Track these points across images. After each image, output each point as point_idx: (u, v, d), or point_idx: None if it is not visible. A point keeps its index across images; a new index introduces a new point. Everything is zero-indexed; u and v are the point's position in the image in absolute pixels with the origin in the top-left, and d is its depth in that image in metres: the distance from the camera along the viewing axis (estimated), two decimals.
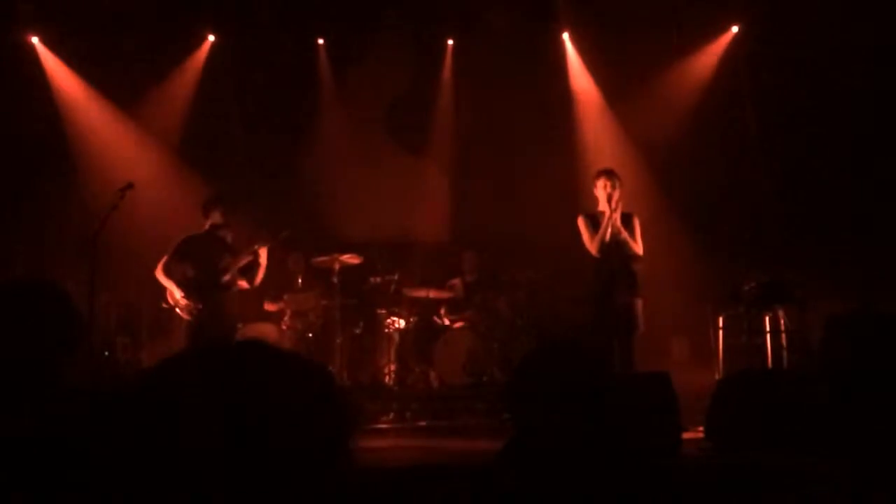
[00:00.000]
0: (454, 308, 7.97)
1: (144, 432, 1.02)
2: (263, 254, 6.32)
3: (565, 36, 8.92)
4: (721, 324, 6.62)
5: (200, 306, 6.09)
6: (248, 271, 6.37)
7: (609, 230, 5.85)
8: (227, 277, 6.22)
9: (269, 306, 7.79)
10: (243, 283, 6.39)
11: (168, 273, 6.15)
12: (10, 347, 1.77)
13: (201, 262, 6.17)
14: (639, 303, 5.93)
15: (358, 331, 7.79)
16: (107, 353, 7.26)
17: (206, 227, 6.30)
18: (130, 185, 5.95)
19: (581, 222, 6.05)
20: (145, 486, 1.01)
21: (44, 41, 8.50)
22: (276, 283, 7.76)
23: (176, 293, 6.12)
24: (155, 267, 6.20)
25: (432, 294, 7.81)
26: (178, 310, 6.16)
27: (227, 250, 6.28)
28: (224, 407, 1.02)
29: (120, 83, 8.42)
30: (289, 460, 1.02)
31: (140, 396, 1.06)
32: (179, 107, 8.76)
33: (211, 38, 8.81)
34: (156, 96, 8.70)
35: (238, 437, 1.00)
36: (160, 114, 8.70)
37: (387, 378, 7.45)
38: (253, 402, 1.03)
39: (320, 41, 9.09)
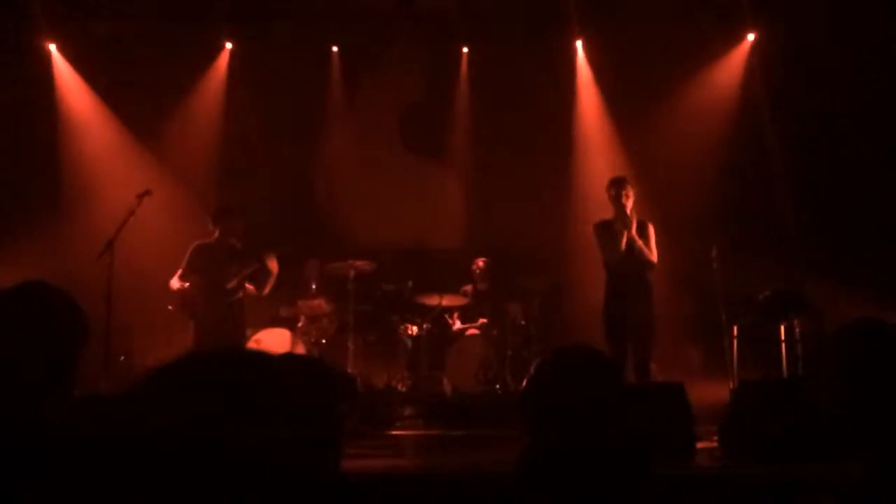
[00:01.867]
0: (467, 315, 7.97)
1: (143, 434, 1.04)
2: (272, 263, 6.37)
3: (578, 44, 8.91)
4: (735, 333, 6.57)
5: (206, 313, 6.15)
6: (256, 278, 6.41)
7: (624, 239, 5.84)
8: (232, 284, 6.24)
9: (284, 312, 7.82)
10: (251, 288, 6.43)
11: (184, 283, 6.24)
12: (17, 350, 1.78)
13: (210, 270, 6.24)
14: (653, 311, 5.91)
15: (371, 337, 7.81)
16: (122, 358, 7.30)
17: (216, 235, 6.36)
18: (149, 192, 6.01)
19: (596, 231, 6.04)
20: (147, 487, 1.02)
21: (61, 49, 8.56)
22: (291, 289, 7.80)
23: (186, 301, 6.19)
24: (170, 276, 6.26)
25: (445, 301, 7.81)
26: (187, 317, 6.24)
27: (235, 258, 6.32)
28: (221, 412, 1.03)
29: (137, 94, 8.47)
30: (289, 465, 1.03)
31: (138, 400, 1.08)
32: (206, 117, 8.79)
33: (228, 45, 8.87)
34: (182, 107, 8.74)
35: (238, 440, 1.01)
36: (188, 125, 8.74)
37: (400, 385, 7.45)
38: (251, 406, 1.04)
39: (334, 49, 9.13)
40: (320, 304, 7.81)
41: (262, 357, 1.09)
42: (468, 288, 8.06)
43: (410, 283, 7.83)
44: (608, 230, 5.96)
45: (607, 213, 6.03)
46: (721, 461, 4.54)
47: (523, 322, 7.76)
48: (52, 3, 8.13)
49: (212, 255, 6.31)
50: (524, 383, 1.88)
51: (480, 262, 8.08)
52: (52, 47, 8.54)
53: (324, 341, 7.63)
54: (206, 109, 8.85)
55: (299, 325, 7.73)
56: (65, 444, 1.58)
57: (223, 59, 8.92)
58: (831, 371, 1.83)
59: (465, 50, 9.15)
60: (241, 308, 6.49)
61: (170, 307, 6.39)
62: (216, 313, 6.21)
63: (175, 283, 6.24)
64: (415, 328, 7.68)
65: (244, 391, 1.05)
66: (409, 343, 7.68)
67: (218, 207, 6.56)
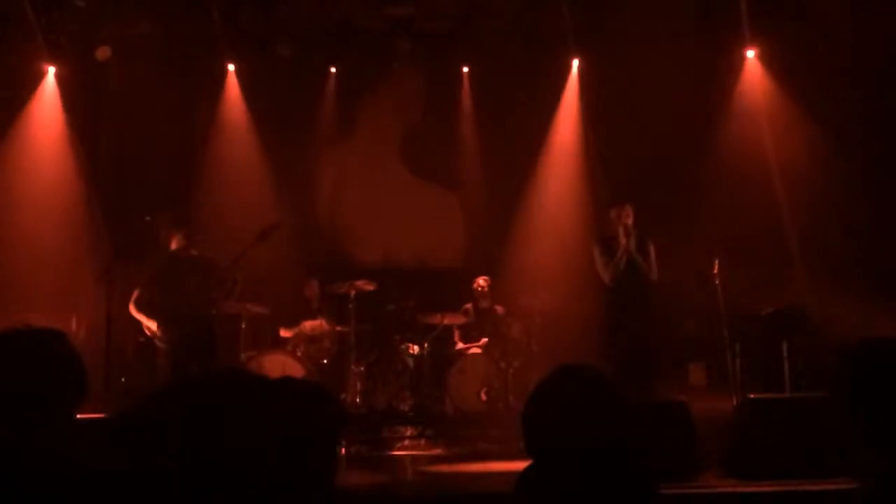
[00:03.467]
0: (469, 334, 7.96)
1: (132, 465, 1.03)
2: (236, 273, 6.11)
3: (575, 63, 8.89)
4: (738, 350, 6.55)
5: (176, 334, 5.85)
6: (222, 287, 6.14)
7: (624, 257, 5.84)
8: (201, 300, 5.99)
9: (285, 333, 7.81)
10: (218, 297, 6.15)
11: (140, 305, 5.90)
12: (11, 394, 1.72)
13: (172, 288, 5.91)
14: (654, 328, 5.90)
15: (372, 357, 7.78)
16: (123, 380, 7.27)
17: (172, 249, 6.08)
18: (151, 217, 5.96)
19: (596, 248, 6.04)
20: None
21: (58, 74, 8.37)
22: (292, 310, 7.79)
23: (151, 325, 5.89)
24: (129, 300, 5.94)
25: (447, 320, 7.80)
26: (156, 341, 5.95)
27: (195, 271, 6.01)
28: (203, 440, 1.02)
29: (138, 108, 8.45)
30: (278, 486, 1.03)
31: (124, 432, 1.07)
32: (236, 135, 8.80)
33: (231, 67, 8.85)
34: (186, 128, 8.72)
35: (220, 469, 1.01)
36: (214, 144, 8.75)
37: (401, 405, 7.43)
38: (230, 434, 1.04)
39: (333, 69, 9.14)
40: (321, 324, 7.80)
41: (255, 380, 1.09)
42: (469, 307, 8.06)
43: (412, 303, 7.82)
44: (608, 247, 5.97)
45: (610, 230, 6.04)
46: (724, 479, 4.51)
47: (525, 341, 7.75)
48: (55, 26, 8.12)
49: (173, 269, 5.97)
50: (526, 402, 1.87)
51: (482, 281, 8.08)
52: (51, 70, 8.35)
53: (325, 361, 7.60)
54: (216, 130, 8.83)
55: (300, 345, 7.70)
56: (65, 469, 1.58)
57: (232, 82, 8.87)
58: (839, 389, 1.82)
59: (466, 69, 9.17)
60: (212, 323, 6.14)
61: (141, 339, 6.08)
62: (187, 330, 5.86)
63: (134, 312, 5.89)
64: (416, 347, 7.67)
65: (239, 415, 1.04)
66: (411, 362, 7.66)
67: (172, 218, 6.19)
